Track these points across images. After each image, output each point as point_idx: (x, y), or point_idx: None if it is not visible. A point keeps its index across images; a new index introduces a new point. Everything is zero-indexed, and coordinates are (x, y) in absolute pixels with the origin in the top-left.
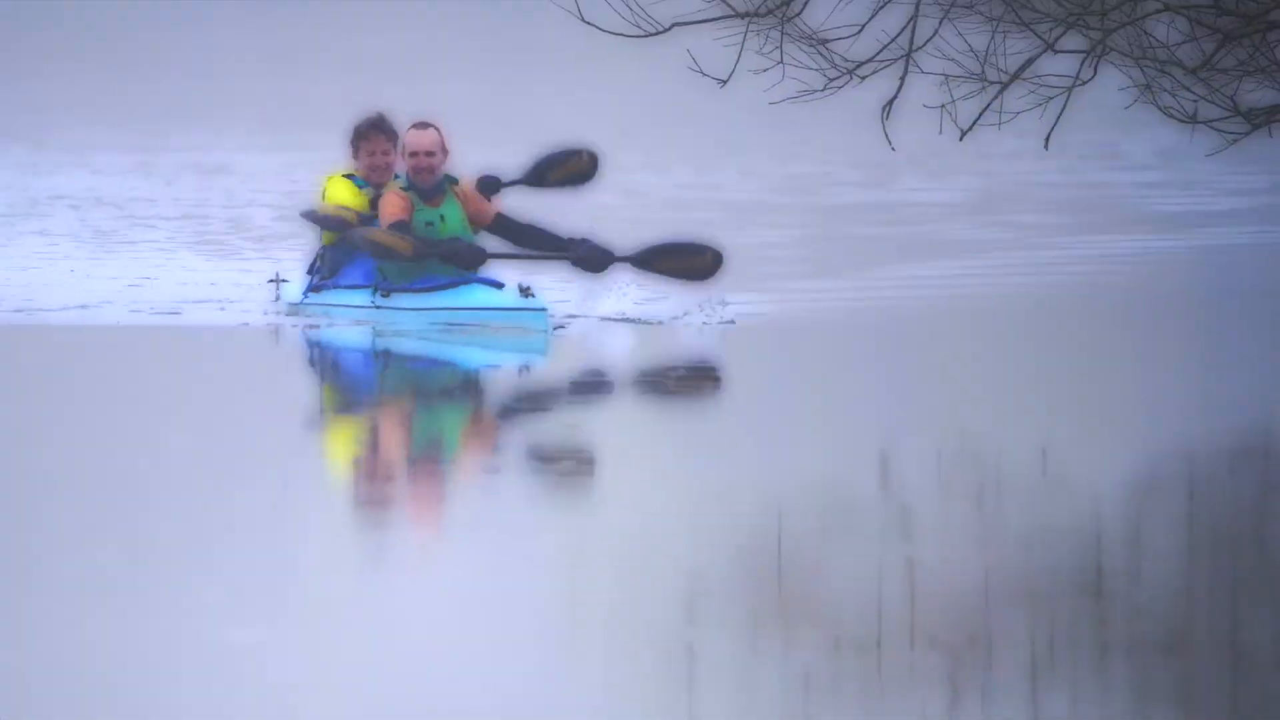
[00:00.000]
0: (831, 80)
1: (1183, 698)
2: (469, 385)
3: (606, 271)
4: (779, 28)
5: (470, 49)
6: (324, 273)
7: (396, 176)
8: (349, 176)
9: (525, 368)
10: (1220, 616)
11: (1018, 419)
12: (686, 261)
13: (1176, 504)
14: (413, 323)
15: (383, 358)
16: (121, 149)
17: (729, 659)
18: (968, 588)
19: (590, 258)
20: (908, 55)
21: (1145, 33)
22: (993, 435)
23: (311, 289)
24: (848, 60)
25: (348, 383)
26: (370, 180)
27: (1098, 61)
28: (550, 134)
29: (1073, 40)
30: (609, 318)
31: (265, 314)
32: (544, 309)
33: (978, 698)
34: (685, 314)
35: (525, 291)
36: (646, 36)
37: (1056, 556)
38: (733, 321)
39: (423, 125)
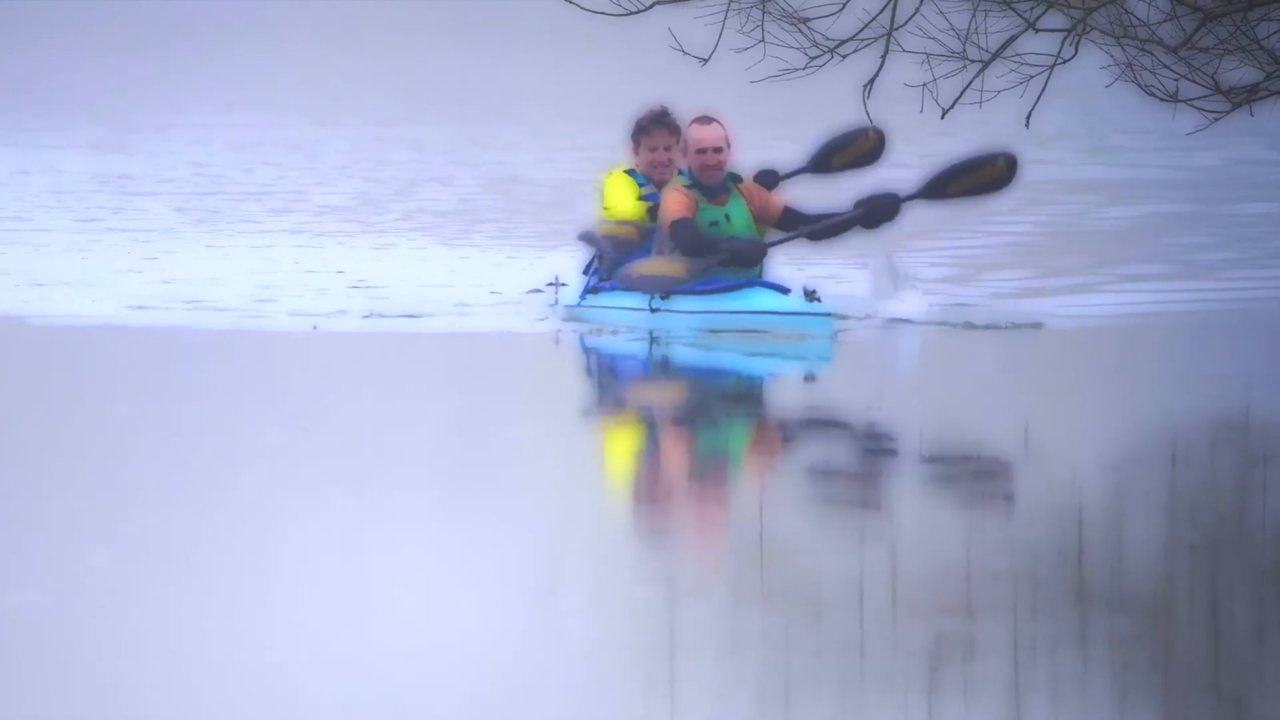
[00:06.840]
0: (813, 59)
1: (1162, 667)
2: (752, 395)
3: (899, 215)
4: (760, 6)
5: (449, 26)
6: (603, 273)
7: (681, 173)
8: (628, 172)
9: (810, 376)
10: (1200, 586)
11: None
12: (978, 176)
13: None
14: (692, 327)
15: (661, 365)
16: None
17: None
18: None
19: (877, 210)
20: (889, 34)
21: (1126, 11)
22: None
23: (589, 290)
24: (829, 39)
25: (623, 391)
26: (651, 177)
27: (1079, 40)
28: (531, 112)
29: (1053, 19)
30: (899, 318)
31: (543, 318)
32: (830, 314)
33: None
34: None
35: (811, 295)
36: (628, 15)
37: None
38: (1040, 325)
39: (706, 120)
